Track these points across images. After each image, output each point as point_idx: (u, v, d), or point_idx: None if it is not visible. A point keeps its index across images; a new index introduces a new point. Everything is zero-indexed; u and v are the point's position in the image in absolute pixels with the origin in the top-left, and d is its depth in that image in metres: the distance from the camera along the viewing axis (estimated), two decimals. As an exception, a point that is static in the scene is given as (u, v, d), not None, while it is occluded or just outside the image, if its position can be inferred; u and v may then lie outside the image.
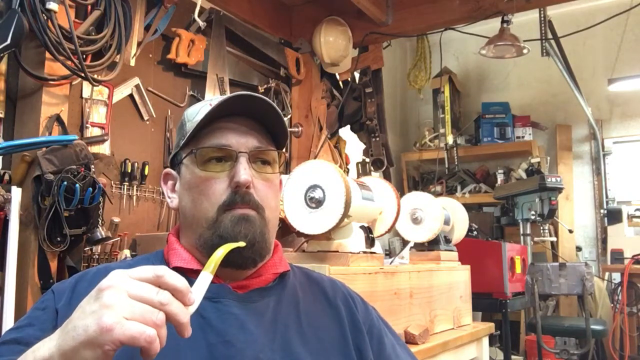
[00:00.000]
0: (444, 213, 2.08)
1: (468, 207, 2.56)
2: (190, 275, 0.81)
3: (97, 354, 0.54)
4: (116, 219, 1.98)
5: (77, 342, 0.55)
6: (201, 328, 0.76)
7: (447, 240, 2.15)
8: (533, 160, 3.91)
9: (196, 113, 0.85)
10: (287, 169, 2.74)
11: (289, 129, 2.88)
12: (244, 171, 0.80)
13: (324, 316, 0.88)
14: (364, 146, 3.17)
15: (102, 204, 1.71)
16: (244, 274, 0.84)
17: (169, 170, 0.91)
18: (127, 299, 0.56)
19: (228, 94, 0.83)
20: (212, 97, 0.88)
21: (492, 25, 2.86)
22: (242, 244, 0.77)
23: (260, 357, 0.77)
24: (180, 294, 0.58)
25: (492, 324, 2.25)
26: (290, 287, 0.89)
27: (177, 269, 0.81)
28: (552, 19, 3.49)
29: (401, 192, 3.80)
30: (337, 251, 1.50)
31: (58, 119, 1.74)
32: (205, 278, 0.66)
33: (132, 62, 2.13)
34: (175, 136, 2.56)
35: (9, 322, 1.48)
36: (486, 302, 2.68)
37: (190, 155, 0.84)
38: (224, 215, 0.80)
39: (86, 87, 1.98)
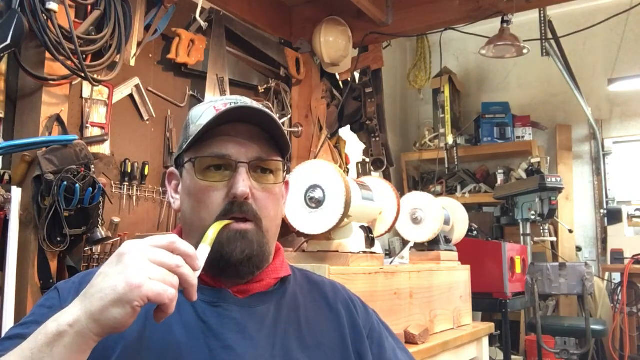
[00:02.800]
0: (444, 213, 2.09)
1: (468, 207, 2.56)
2: None
3: (126, 311, 0.59)
4: (116, 219, 1.98)
5: (106, 302, 0.59)
6: (202, 332, 0.76)
7: (447, 240, 2.15)
8: (533, 160, 3.91)
9: (200, 115, 0.83)
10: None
11: (289, 129, 2.88)
12: (242, 183, 0.79)
13: (325, 321, 0.88)
14: (364, 146, 3.17)
15: (102, 204, 1.71)
16: (244, 280, 0.84)
17: (173, 170, 0.90)
18: (147, 261, 0.61)
19: (229, 96, 0.82)
20: (217, 99, 0.87)
21: (492, 25, 2.86)
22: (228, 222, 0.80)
23: None
24: (190, 259, 0.64)
25: (492, 324, 2.25)
26: (290, 292, 0.88)
27: None
28: (552, 19, 3.49)
29: (401, 192, 3.79)
30: (337, 251, 1.50)
31: (58, 119, 1.74)
32: (204, 250, 0.71)
33: (132, 62, 2.13)
34: (175, 136, 2.56)
35: (9, 322, 1.48)
36: (486, 302, 2.68)
37: (190, 162, 0.83)
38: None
39: (86, 87, 1.98)
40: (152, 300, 0.59)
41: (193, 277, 0.63)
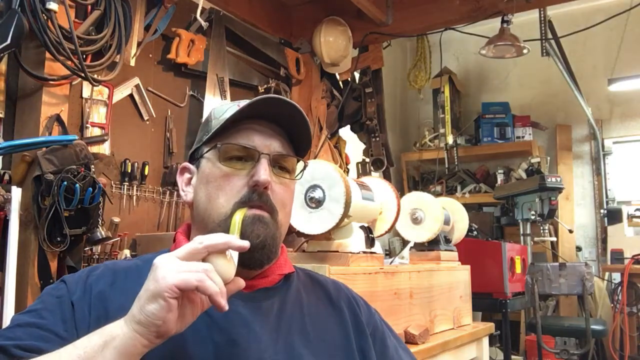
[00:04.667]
0: (444, 213, 2.08)
1: (468, 207, 2.56)
2: None
3: (160, 304, 0.62)
4: (116, 219, 1.98)
5: (142, 301, 0.63)
6: (207, 326, 0.77)
7: (447, 240, 2.15)
8: (533, 160, 3.91)
9: (223, 112, 0.86)
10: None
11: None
12: (264, 171, 0.80)
13: (328, 318, 0.88)
14: (364, 146, 3.17)
15: (102, 204, 1.71)
16: (250, 274, 0.84)
17: (186, 164, 0.91)
18: (175, 259, 0.64)
19: (264, 96, 0.84)
20: (241, 100, 0.89)
21: (492, 25, 2.86)
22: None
23: (264, 357, 0.77)
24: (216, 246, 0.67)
25: (492, 324, 2.24)
26: (294, 288, 0.89)
27: None
28: (552, 19, 3.49)
29: (401, 192, 3.79)
30: (337, 251, 1.50)
31: (58, 119, 1.74)
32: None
33: (132, 62, 2.13)
34: (175, 136, 2.56)
35: (8, 322, 1.48)
36: (486, 302, 2.68)
37: (214, 149, 0.84)
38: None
39: (86, 87, 1.98)
40: (180, 288, 0.61)
41: (218, 285, 0.65)
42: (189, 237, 0.89)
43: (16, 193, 1.56)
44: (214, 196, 0.82)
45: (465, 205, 2.37)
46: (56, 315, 0.74)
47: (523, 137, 4.27)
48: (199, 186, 0.86)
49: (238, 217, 0.77)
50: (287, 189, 0.86)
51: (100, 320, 0.73)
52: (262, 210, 0.81)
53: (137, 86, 2.19)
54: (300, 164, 0.90)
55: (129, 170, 2.09)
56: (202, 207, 0.84)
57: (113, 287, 0.79)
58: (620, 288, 3.41)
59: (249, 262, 0.81)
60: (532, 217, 3.37)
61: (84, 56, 1.77)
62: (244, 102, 0.85)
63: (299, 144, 0.89)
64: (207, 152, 0.85)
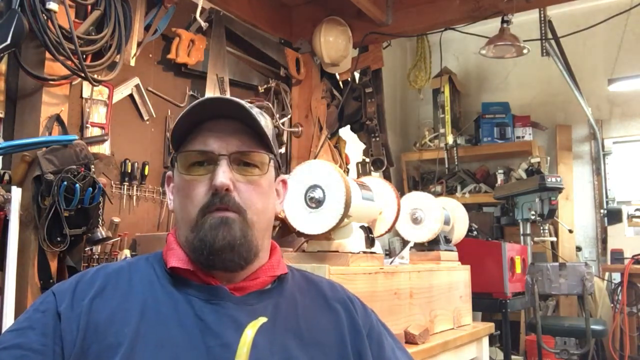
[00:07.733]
0: (444, 213, 2.08)
1: (468, 207, 2.56)
2: (187, 275, 0.82)
3: None
4: (116, 219, 1.98)
5: None
6: (199, 330, 0.76)
7: (447, 240, 2.15)
8: (533, 160, 3.90)
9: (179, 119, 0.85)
10: (287, 169, 2.74)
11: (289, 129, 2.88)
12: (222, 174, 0.79)
13: (323, 319, 0.87)
14: (364, 146, 3.17)
15: (102, 204, 1.71)
16: (238, 276, 0.83)
17: (170, 173, 0.92)
18: None
19: (201, 99, 0.82)
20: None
21: (492, 25, 2.86)
22: (263, 319, 0.68)
23: None
24: None
25: (492, 324, 2.24)
26: (288, 290, 0.88)
27: (173, 269, 0.82)
28: (552, 19, 3.49)
29: (401, 192, 3.78)
30: (337, 251, 1.50)
31: (58, 119, 1.74)
32: None
33: (132, 62, 2.13)
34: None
35: (9, 323, 1.48)
36: (486, 302, 2.68)
37: (176, 160, 0.85)
38: (204, 218, 0.80)
39: (86, 87, 1.98)
40: None
41: None
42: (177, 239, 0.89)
43: (16, 193, 1.56)
44: (183, 204, 0.83)
45: (465, 205, 2.37)
46: (38, 332, 0.74)
47: (523, 137, 4.27)
48: (175, 195, 0.87)
49: (250, 334, 0.65)
50: (256, 185, 0.83)
51: (89, 330, 0.73)
52: (227, 212, 0.80)
53: (137, 86, 2.19)
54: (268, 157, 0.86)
55: (129, 170, 2.09)
56: (178, 215, 0.85)
57: (103, 293, 0.79)
58: (620, 288, 3.41)
59: (223, 264, 0.80)
60: (532, 217, 3.37)
61: (84, 56, 1.77)
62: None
63: (263, 137, 0.85)
64: (173, 162, 0.86)
